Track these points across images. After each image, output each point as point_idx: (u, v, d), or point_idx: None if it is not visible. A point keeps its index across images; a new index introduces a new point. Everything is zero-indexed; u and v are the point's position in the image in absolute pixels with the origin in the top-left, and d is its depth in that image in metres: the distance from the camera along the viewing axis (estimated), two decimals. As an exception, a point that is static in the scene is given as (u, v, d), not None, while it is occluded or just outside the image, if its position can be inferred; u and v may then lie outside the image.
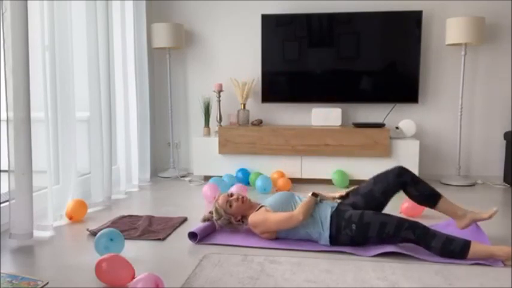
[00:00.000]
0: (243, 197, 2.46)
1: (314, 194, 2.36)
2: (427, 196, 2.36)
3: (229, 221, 2.46)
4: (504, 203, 3.25)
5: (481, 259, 2.06)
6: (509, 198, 3.40)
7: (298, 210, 2.27)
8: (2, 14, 2.24)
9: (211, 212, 2.52)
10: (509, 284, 1.84)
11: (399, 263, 2.06)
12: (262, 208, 2.40)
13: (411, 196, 2.39)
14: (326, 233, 2.26)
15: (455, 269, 1.98)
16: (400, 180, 2.36)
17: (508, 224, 2.71)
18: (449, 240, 2.08)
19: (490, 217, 2.28)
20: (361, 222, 2.20)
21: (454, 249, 2.07)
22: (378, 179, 2.42)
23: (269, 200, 2.47)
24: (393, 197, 2.42)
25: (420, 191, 2.36)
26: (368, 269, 1.98)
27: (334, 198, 2.47)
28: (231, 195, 2.48)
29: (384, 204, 2.42)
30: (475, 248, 2.06)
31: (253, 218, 2.36)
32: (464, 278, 1.89)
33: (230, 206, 2.43)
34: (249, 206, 2.46)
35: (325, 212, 2.30)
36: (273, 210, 2.36)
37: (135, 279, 1.69)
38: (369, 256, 2.14)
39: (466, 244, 2.07)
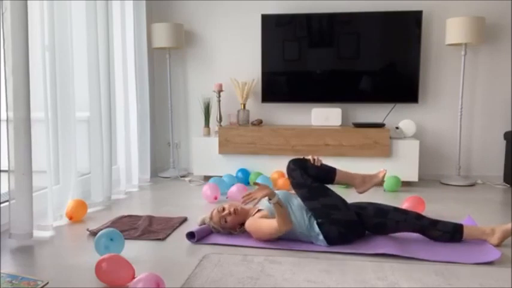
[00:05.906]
0: (235, 209, 2.41)
1: (270, 199, 2.16)
2: (452, 233, 2.29)
3: (230, 232, 2.45)
4: (504, 203, 3.25)
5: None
6: (509, 198, 3.40)
7: (276, 224, 2.20)
8: (2, 14, 2.24)
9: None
10: (509, 284, 1.84)
11: (399, 263, 2.05)
12: (258, 214, 2.38)
13: (433, 238, 2.33)
14: (320, 236, 2.26)
15: (455, 269, 1.98)
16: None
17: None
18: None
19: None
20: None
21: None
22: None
23: (267, 203, 2.42)
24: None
25: (442, 229, 2.29)
26: (368, 269, 1.98)
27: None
28: (223, 209, 2.43)
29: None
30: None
31: (249, 226, 2.35)
32: (464, 278, 1.89)
33: (225, 221, 2.40)
34: (244, 214, 2.44)
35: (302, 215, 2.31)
36: (270, 213, 2.33)
37: (135, 279, 1.69)
38: (369, 255, 2.14)
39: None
